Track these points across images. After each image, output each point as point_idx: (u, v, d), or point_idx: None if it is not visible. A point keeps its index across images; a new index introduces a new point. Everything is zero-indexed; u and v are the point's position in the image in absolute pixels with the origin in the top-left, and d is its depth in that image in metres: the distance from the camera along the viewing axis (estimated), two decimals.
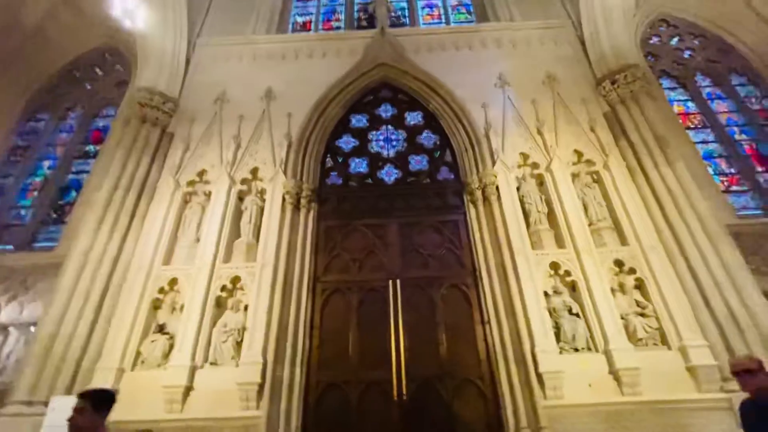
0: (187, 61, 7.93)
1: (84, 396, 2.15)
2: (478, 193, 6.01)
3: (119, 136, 6.89)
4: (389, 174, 6.70)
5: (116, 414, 4.58)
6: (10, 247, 6.70)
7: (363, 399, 4.92)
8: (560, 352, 4.69)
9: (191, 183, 6.46)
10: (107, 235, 5.78)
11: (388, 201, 6.32)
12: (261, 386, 4.67)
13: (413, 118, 7.27)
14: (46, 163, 7.90)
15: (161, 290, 5.55)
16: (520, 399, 4.63)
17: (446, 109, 6.87)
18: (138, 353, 5.13)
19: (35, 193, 7.50)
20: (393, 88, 7.54)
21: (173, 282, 5.62)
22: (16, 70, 8.75)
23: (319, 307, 5.57)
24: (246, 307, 5.33)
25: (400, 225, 6.09)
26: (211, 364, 4.99)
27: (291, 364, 4.99)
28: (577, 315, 5.01)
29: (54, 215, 7.17)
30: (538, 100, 6.80)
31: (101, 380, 4.77)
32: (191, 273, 5.59)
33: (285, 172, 6.27)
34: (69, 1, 8.74)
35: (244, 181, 6.39)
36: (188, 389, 4.74)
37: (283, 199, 6.04)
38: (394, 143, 7.01)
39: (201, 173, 6.52)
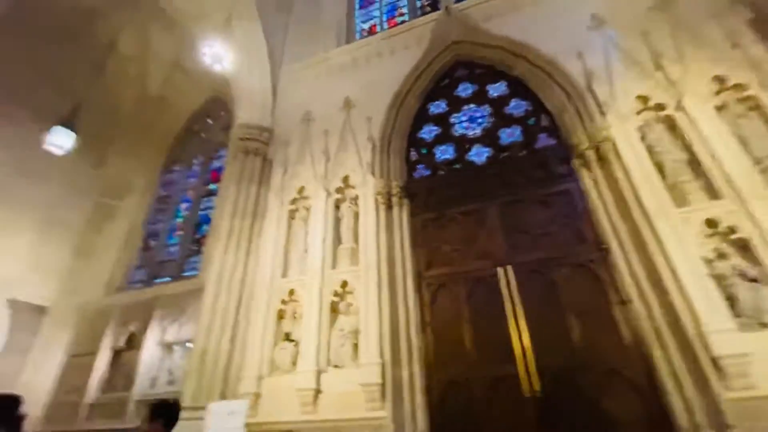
0: (274, 92, 8.61)
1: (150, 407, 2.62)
2: (591, 154, 5.16)
3: (230, 171, 7.82)
4: (479, 154, 6.22)
5: (261, 416, 5.14)
6: (168, 278, 8.11)
7: (490, 396, 4.54)
8: (741, 330, 3.65)
9: (293, 201, 6.93)
10: (233, 257, 6.52)
11: (482, 183, 5.85)
12: (382, 387, 4.66)
13: (496, 89, 6.67)
14: (184, 206, 9.42)
15: (283, 301, 6.02)
16: (691, 392, 3.73)
17: (534, 70, 6.13)
18: (272, 360, 5.60)
19: (180, 232, 8.97)
20: (468, 65, 7.06)
21: (292, 292, 6.05)
22: (154, 134, 10.71)
23: (427, 303, 5.38)
24: (357, 310, 5.46)
25: (500, 206, 5.57)
26: (334, 366, 5.18)
27: (408, 363, 4.89)
28: (756, 280, 3.86)
29: (194, 248, 8.47)
30: (649, 30, 5.61)
31: (246, 387, 5.34)
32: (305, 282, 5.95)
33: (373, 174, 6.29)
34: (179, 66, 10.36)
35: (338, 190, 6.61)
36: (317, 392, 4.98)
37: (375, 201, 6.05)
38: (480, 121, 6.51)
39: (300, 190, 6.96)
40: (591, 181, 5.17)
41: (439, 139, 6.64)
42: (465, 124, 6.62)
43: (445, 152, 6.48)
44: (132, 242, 9.11)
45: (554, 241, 5.12)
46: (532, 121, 6.16)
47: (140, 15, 9.36)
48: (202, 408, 5.04)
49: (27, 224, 8.19)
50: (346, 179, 6.65)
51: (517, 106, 6.36)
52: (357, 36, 9.56)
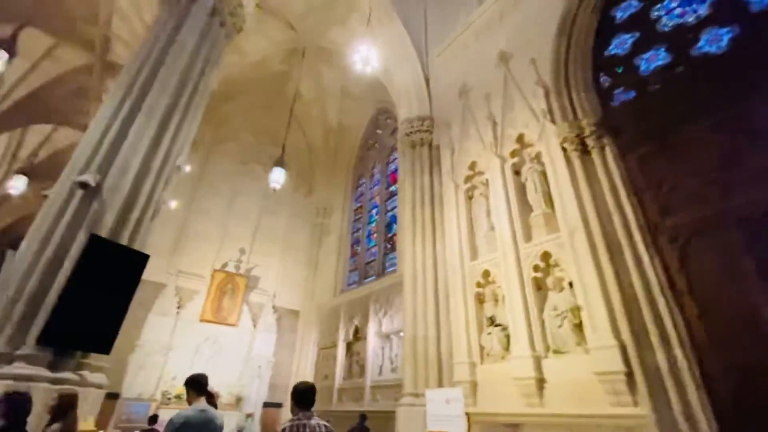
0: (426, 79, 8.49)
1: None
2: None
3: (403, 168, 8.06)
4: (714, 41, 4.22)
5: (481, 405, 4.78)
6: (373, 277, 8.95)
7: None
8: None
9: (467, 179, 6.54)
10: (421, 247, 6.58)
11: (730, 78, 3.91)
12: (629, 376, 3.57)
13: None
14: (374, 212, 10.34)
15: (478, 284, 5.62)
16: None
17: None
18: (481, 347, 5.23)
19: (375, 235, 9.86)
20: None
21: (486, 274, 5.58)
22: (340, 158, 12.33)
23: (674, 263, 3.89)
24: (571, 284, 4.50)
25: None
26: (555, 352, 4.37)
27: (663, 345, 3.59)
28: None
29: (389, 246, 9.11)
30: None
31: (460, 374, 5.12)
32: (498, 261, 5.39)
33: (552, 121, 5.20)
34: (347, 93, 11.64)
35: (513, 154, 5.83)
36: (540, 381, 4.28)
37: (563, 150, 4.94)
38: None
39: (471, 166, 6.51)
40: None
41: (641, 47, 4.91)
42: (677, 12, 4.68)
43: (653, 59, 4.72)
44: (343, 251, 10.60)
45: None
46: None
47: (311, 61, 11.00)
48: (423, 394, 5.10)
49: (275, 249, 10.65)
50: (520, 138, 5.79)
51: None
52: None
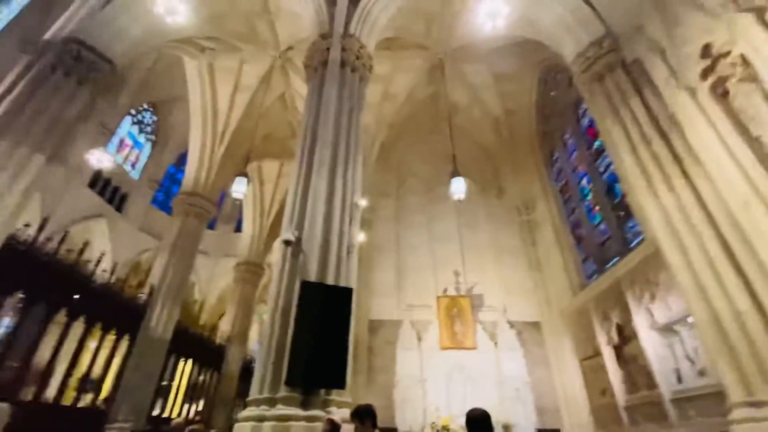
0: None
1: None
2: None
3: (599, 111, 6.29)
4: None
5: None
6: (616, 258, 6.94)
7: None
8: None
9: (704, 72, 4.53)
10: (669, 195, 4.67)
11: None
12: None
13: None
14: (584, 182, 8.41)
15: None
16: None
17: None
18: None
19: (597, 208, 7.89)
20: None
21: None
22: (522, 144, 11.04)
23: None
24: None
25: None
26: None
27: None
28: None
29: (621, 213, 7.01)
30: None
31: None
32: None
33: None
34: (500, 78, 10.61)
35: None
36: None
37: None
38: None
39: (704, 52, 4.49)
40: None
41: None
42: None
43: None
44: (564, 241, 8.90)
45: None
46: None
47: (452, 68, 10.69)
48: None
49: (487, 261, 9.98)
50: None
51: None
52: None
